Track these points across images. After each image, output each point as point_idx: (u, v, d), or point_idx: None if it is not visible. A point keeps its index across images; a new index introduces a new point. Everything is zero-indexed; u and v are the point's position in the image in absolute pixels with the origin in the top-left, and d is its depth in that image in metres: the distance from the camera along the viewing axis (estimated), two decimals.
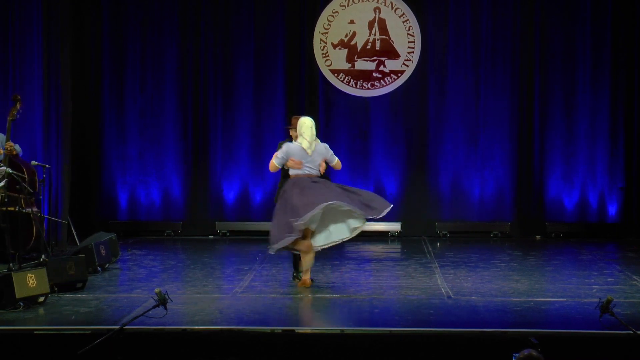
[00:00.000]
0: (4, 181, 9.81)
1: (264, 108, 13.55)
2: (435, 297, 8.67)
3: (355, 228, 9.10)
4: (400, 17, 13.49)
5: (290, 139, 9.45)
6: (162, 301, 6.81)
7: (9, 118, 10.44)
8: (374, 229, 13.35)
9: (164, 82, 13.53)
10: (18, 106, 10.54)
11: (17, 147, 10.56)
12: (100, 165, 13.53)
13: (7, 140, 10.32)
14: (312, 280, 9.14)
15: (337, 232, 9.13)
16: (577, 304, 8.29)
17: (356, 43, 13.49)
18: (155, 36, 13.49)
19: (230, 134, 13.55)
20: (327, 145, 9.25)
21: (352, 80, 13.46)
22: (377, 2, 13.50)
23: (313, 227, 8.92)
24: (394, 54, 13.49)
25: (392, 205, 9.16)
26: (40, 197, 10.98)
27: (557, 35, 13.41)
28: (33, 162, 10.76)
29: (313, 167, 9.08)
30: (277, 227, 8.92)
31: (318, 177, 9.10)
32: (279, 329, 7.27)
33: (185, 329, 7.21)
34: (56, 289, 8.57)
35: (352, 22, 13.51)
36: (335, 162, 9.29)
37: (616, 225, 13.39)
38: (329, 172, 9.58)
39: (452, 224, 13.51)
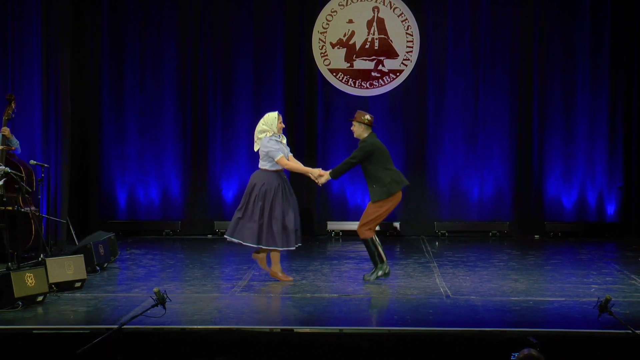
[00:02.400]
0: (2, 180, 9.81)
1: (263, 107, 13.51)
2: (434, 297, 8.67)
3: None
4: (399, 16, 13.49)
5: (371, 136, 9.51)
6: (161, 300, 6.81)
7: (5, 117, 10.45)
8: None
9: (163, 81, 13.53)
10: (13, 106, 10.54)
11: (16, 142, 10.55)
12: (100, 165, 13.53)
13: (2, 144, 10.31)
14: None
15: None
16: (576, 304, 8.30)
17: (355, 42, 13.50)
18: (155, 36, 13.50)
19: (230, 133, 13.55)
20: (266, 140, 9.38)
21: (350, 79, 13.47)
22: (376, 1, 13.49)
23: None
24: (392, 54, 13.49)
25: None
26: (39, 196, 10.98)
27: (556, 34, 13.41)
28: (32, 162, 10.76)
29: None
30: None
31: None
32: (277, 328, 7.26)
33: (184, 329, 7.20)
34: (55, 288, 8.57)
35: (350, 21, 13.51)
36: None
37: (615, 225, 13.39)
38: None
39: (451, 224, 13.52)
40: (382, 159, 9.39)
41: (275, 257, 9.40)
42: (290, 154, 9.50)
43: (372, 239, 9.34)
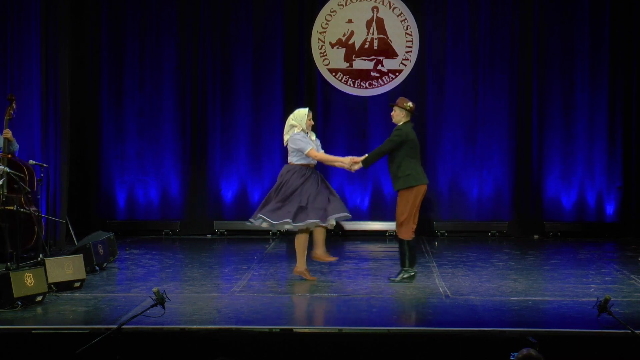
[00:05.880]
0: (1, 180, 9.80)
1: (262, 107, 13.56)
2: (434, 297, 8.67)
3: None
4: (398, 16, 13.49)
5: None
6: (160, 300, 6.81)
7: (6, 117, 10.45)
8: (372, 228, 13.39)
9: (163, 81, 13.54)
10: (14, 105, 10.54)
11: (16, 145, 10.54)
12: (99, 165, 13.53)
13: (4, 148, 10.31)
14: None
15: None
16: (575, 303, 8.30)
17: (354, 42, 13.50)
18: (154, 35, 13.50)
19: (229, 133, 13.55)
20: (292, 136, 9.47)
21: (350, 79, 13.47)
22: (375, 1, 13.49)
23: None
24: (391, 54, 13.49)
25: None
26: (39, 196, 10.98)
27: (556, 34, 13.42)
28: (31, 162, 10.75)
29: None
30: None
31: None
32: (277, 328, 7.26)
33: (183, 328, 7.20)
34: (54, 288, 8.57)
35: (350, 21, 13.51)
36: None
37: (614, 225, 13.39)
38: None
39: (450, 224, 13.52)
40: (411, 151, 9.39)
41: (319, 239, 9.41)
42: (322, 150, 9.56)
43: (408, 242, 9.35)
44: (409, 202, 9.31)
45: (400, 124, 9.45)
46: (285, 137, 9.44)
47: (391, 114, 9.56)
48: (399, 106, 9.46)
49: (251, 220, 9.43)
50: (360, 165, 9.49)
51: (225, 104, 13.55)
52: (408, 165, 9.34)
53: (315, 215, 9.16)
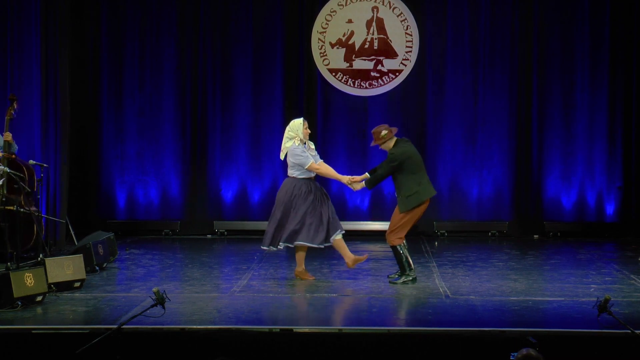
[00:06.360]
0: (1, 180, 9.80)
1: (263, 107, 13.56)
2: (434, 297, 8.67)
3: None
4: (398, 16, 13.49)
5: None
6: (160, 300, 6.81)
7: (7, 117, 10.45)
8: (372, 228, 13.37)
9: (163, 81, 13.53)
10: (15, 106, 10.55)
11: (15, 147, 10.54)
12: (99, 165, 13.53)
13: (4, 148, 10.30)
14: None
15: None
16: (575, 303, 8.30)
17: (354, 42, 13.49)
18: (154, 35, 13.49)
19: (229, 133, 13.55)
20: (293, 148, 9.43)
21: (350, 79, 13.46)
22: (375, 1, 13.49)
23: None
24: (391, 54, 13.49)
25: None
26: (38, 196, 10.98)
27: (556, 34, 13.41)
28: (31, 162, 10.76)
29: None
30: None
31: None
32: (277, 328, 7.27)
33: (183, 328, 7.21)
34: (54, 288, 8.57)
35: (350, 21, 13.51)
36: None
37: (614, 225, 13.39)
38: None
39: (450, 224, 13.52)
40: (413, 167, 9.37)
41: (300, 256, 9.45)
42: (320, 160, 9.53)
43: (400, 246, 9.32)
44: (408, 216, 9.33)
45: (392, 147, 9.44)
46: (283, 152, 9.42)
47: (380, 148, 9.57)
48: (378, 140, 9.40)
49: (271, 247, 9.39)
50: (362, 185, 9.51)
51: (225, 104, 13.55)
52: (412, 183, 9.34)
53: (320, 237, 9.24)
